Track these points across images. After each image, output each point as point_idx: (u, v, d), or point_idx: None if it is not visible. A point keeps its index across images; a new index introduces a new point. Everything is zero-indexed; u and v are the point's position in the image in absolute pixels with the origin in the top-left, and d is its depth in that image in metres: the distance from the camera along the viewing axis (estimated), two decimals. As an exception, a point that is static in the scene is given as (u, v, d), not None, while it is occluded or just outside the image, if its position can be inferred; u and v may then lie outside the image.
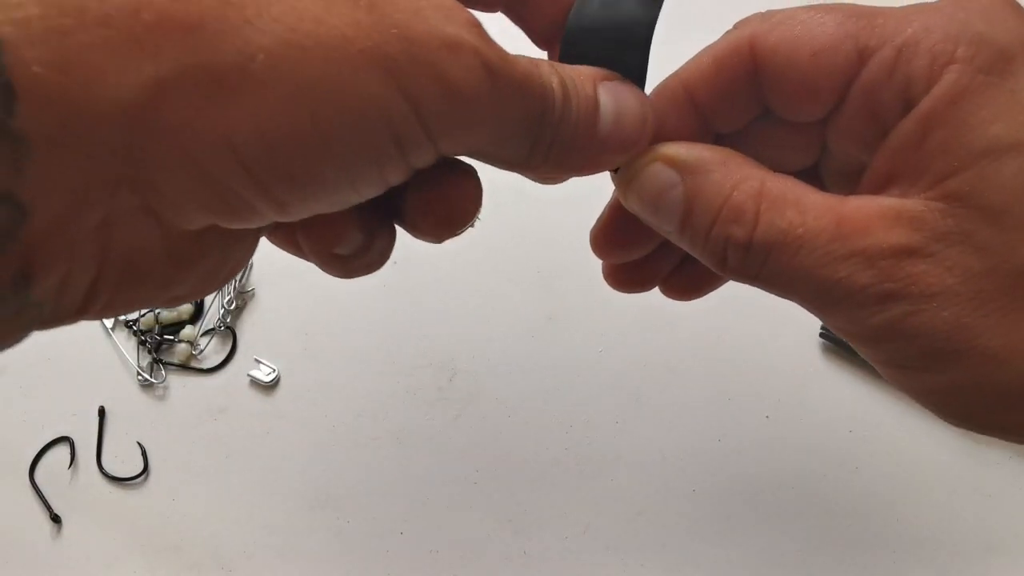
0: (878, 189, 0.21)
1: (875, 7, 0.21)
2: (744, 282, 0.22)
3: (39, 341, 0.54)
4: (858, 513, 0.44)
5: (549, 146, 0.21)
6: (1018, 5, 0.20)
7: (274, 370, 0.49)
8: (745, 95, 0.23)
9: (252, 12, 0.16)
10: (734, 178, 0.21)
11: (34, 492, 0.47)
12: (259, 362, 0.49)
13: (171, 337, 0.50)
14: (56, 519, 0.46)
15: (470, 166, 0.23)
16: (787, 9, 0.22)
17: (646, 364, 0.48)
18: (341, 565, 0.45)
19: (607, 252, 0.28)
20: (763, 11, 0.22)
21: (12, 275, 0.15)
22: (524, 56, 0.20)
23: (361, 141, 0.18)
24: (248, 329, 0.50)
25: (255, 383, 0.49)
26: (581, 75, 0.21)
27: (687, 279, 0.29)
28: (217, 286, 0.22)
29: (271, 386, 0.49)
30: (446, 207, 0.22)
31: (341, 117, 0.17)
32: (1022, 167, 0.19)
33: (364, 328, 0.50)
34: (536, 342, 0.49)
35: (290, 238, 0.23)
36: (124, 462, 0.48)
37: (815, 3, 0.22)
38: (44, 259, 0.16)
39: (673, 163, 0.22)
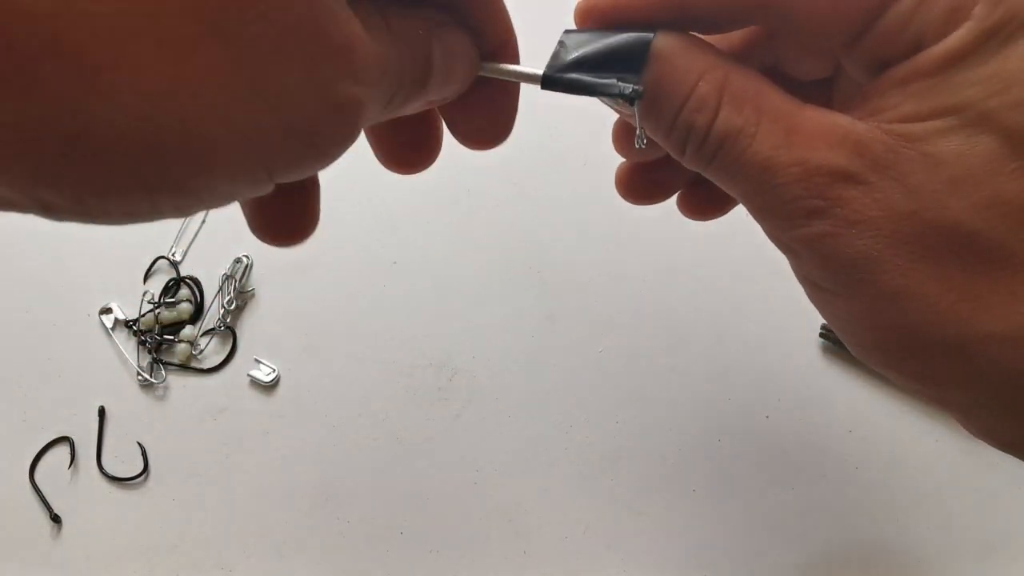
0: (852, 109, 0.21)
1: None
2: (698, 169, 0.23)
3: (40, 341, 0.54)
4: (858, 513, 0.44)
5: None
6: None
7: (274, 370, 0.49)
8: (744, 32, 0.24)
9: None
10: (700, 67, 0.21)
11: (34, 492, 0.47)
12: (259, 362, 0.49)
13: (171, 337, 0.50)
14: (56, 519, 0.46)
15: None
16: None
17: (646, 364, 0.48)
18: (341, 565, 0.45)
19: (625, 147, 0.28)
20: None
21: None
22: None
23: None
24: (248, 329, 0.50)
25: (255, 383, 0.49)
26: None
27: (703, 194, 0.29)
28: None
29: (271, 386, 0.49)
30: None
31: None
32: (974, 135, 0.19)
33: (364, 328, 0.50)
34: (536, 342, 0.49)
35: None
36: (124, 462, 0.48)
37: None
38: None
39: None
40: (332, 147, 0.18)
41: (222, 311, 0.50)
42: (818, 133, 0.20)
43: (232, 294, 0.50)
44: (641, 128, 0.23)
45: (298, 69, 0.16)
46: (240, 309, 0.51)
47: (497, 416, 0.47)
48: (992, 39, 0.19)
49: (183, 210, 0.16)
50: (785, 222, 0.21)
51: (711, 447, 0.46)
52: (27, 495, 0.47)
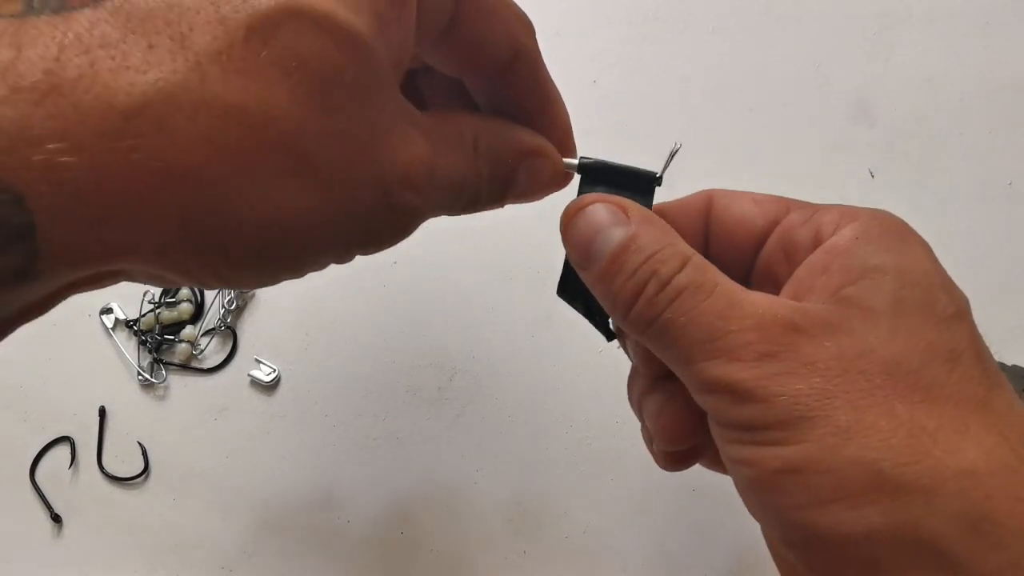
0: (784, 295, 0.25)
1: None
2: (638, 328, 0.25)
3: (39, 341, 0.53)
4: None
5: None
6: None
7: (274, 370, 0.49)
8: (697, 230, 0.29)
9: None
10: (672, 237, 0.25)
11: (35, 492, 0.47)
12: (259, 362, 0.49)
13: (171, 337, 0.50)
14: (56, 519, 0.46)
15: None
16: None
17: (646, 364, 0.48)
18: (341, 565, 0.45)
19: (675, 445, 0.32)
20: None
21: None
22: None
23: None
24: (248, 329, 0.50)
25: (255, 383, 0.49)
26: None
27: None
28: None
29: (271, 386, 0.49)
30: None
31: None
32: (895, 286, 0.23)
33: (364, 328, 0.50)
34: (536, 342, 0.49)
35: None
36: (124, 462, 0.48)
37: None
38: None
39: (623, 207, 0.26)
40: (392, 240, 0.24)
41: (222, 311, 0.50)
42: (766, 302, 0.23)
43: (232, 294, 0.51)
44: (663, 172, 0.28)
45: (363, 188, 0.22)
46: (240, 309, 0.51)
47: (497, 416, 0.47)
48: (883, 226, 0.24)
49: (295, 275, 0.23)
50: (733, 367, 0.22)
51: (711, 447, 0.46)
52: (27, 495, 0.47)
